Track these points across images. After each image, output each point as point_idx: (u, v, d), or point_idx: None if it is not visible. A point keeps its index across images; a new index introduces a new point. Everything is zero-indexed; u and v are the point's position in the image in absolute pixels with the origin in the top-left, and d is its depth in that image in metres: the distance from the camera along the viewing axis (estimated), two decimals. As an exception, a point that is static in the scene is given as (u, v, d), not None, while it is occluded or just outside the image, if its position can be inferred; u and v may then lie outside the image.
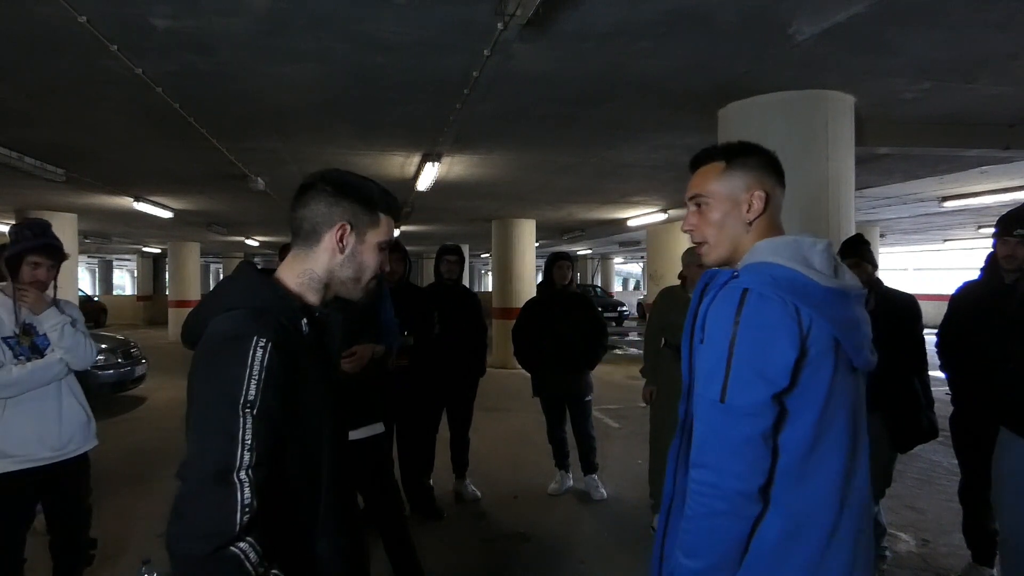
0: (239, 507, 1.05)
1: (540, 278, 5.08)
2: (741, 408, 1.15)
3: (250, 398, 1.09)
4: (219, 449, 1.07)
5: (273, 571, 1.11)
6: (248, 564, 1.06)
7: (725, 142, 1.39)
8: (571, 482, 4.69)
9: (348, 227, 1.27)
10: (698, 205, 1.36)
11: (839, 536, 1.19)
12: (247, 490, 1.06)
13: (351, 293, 1.33)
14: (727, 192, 1.32)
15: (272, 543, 1.12)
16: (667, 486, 1.34)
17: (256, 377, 1.10)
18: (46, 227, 2.55)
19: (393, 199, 1.35)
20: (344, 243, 1.28)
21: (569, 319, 4.40)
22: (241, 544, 1.06)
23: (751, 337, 1.15)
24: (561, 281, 4.46)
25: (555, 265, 4.50)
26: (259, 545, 1.08)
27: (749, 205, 1.30)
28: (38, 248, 2.48)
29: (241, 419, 1.08)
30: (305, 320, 1.25)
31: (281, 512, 1.15)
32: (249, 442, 1.08)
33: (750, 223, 1.31)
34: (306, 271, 1.29)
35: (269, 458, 1.11)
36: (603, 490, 4.57)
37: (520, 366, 4.66)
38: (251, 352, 1.11)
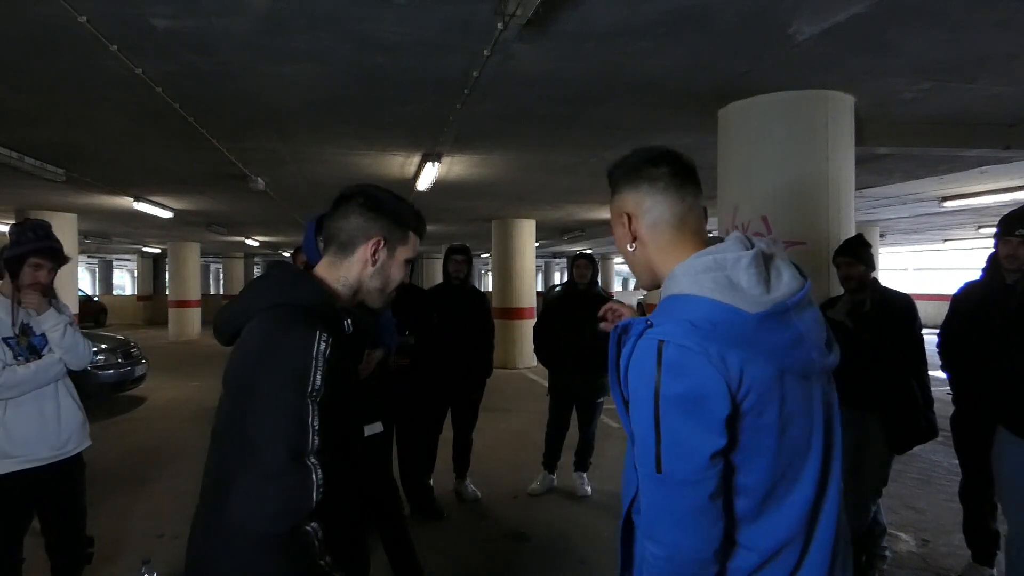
0: (315, 486, 1.14)
1: (541, 279, 5.08)
2: (680, 478, 1.04)
3: (316, 387, 1.17)
4: (293, 433, 1.15)
5: (327, 557, 1.18)
6: (317, 542, 1.15)
7: (614, 164, 1.28)
8: (555, 483, 4.69)
9: (382, 242, 1.35)
10: None
11: (810, 559, 1.13)
12: (319, 471, 1.15)
13: (374, 302, 1.42)
14: (614, 218, 1.27)
15: (331, 521, 1.20)
16: (619, 550, 1.25)
17: (321, 368, 1.18)
18: (48, 229, 2.55)
19: (422, 220, 1.44)
20: (376, 257, 1.36)
21: (590, 320, 4.38)
22: (312, 524, 1.15)
23: (675, 398, 1.03)
24: (582, 281, 4.45)
25: (575, 265, 4.52)
26: (322, 528, 1.17)
27: (627, 229, 1.23)
28: (40, 250, 2.48)
29: (310, 406, 1.16)
30: (349, 321, 1.32)
31: (335, 493, 1.21)
32: (317, 427, 1.16)
33: (632, 246, 1.23)
34: (340, 278, 1.36)
35: (327, 443, 1.19)
36: (588, 487, 4.60)
37: (540, 363, 4.69)
38: (316, 344, 1.18)
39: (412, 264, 1.44)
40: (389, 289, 1.40)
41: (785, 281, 1.12)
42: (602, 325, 1.76)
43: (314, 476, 1.13)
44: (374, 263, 1.36)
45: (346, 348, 1.27)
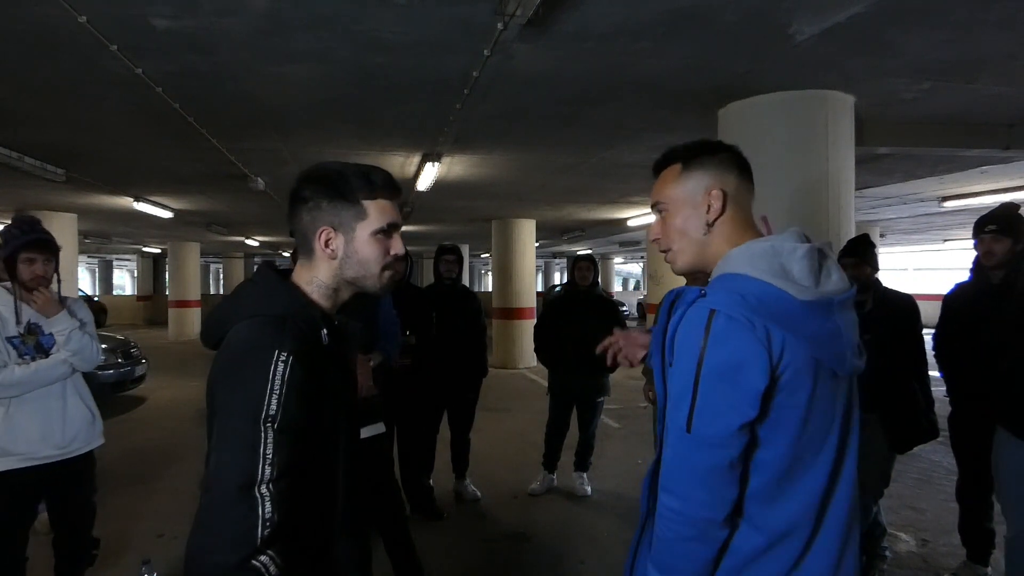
0: (260, 520, 1.05)
1: (541, 279, 5.08)
2: (707, 438, 1.10)
3: (271, 412, 1.09)
4: (241, 463, 1.07)
5: None
6: None
7: (684, 143, 1.31)
8: (555, 483, 4.70)
9: (331, 231, 1.22)
10: (660, 212, 1.30)
11: (818, 544, 1.17)
12: (268, 504, 1.07)
13: (369, 288, 1.28)
14: (684, 195, 1.25)
15: (294, 549, 1.12)
16: (643, 502, 1.31)
17: (278, 392, 1.09)
18: (34, 223, 2.53)
19: (379, 177, 1.25)
20: (332, 248, 1.23)
21: (591, 321, 4.40)
22: (262, 557, 1.06)
23: (716, 364, 1.09)
24: (583, 282, 4.46)
25: (576, 266, 4.52)
26: (280, 558, 1.08)
27: (708, 206, 1.23)
28: (29, 244, 2.46)
29: (263, 433, 1.08)
30: (325, 331, 1.23)
31: (302, 518, 1.15)
32: (270, 456, 1.08)
33: (711, 224, 1.24)
34: (313, 279, 1.26)
35: (292, 468, 1.11)
36: (588, 487, 4.61)
37: (540, 363, 4.70)
38: (272, 365, 1.10)
39: (408, 259, 1.34)
40: (372, 271, 1.25)
41: (834, 280, 1.19)
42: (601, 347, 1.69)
43: (260, 509, 1.05)
44: (333, 255, 1.23)
45: (324, 359, 1.20)
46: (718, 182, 1.24)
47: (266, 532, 1.06)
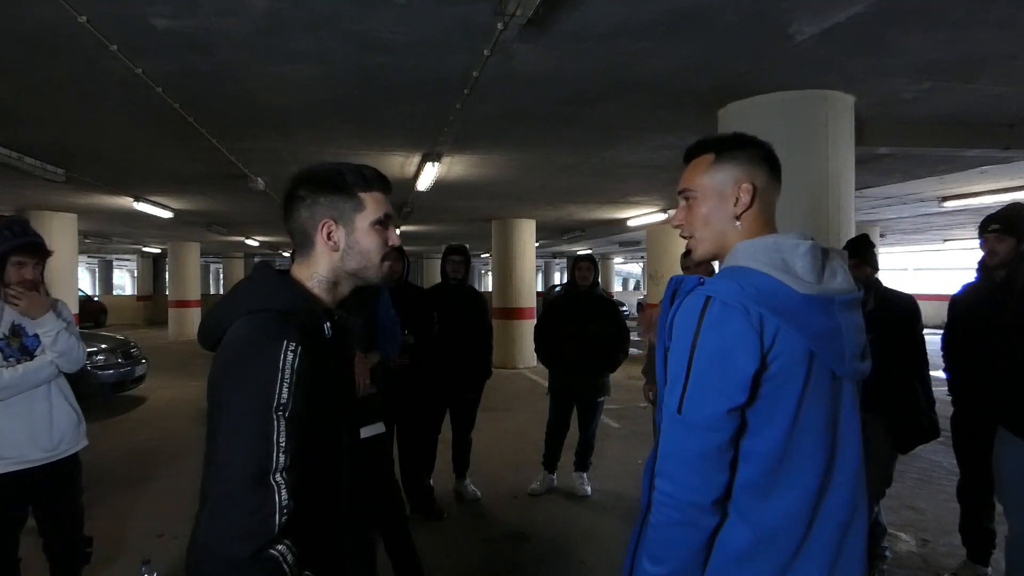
0: (278, 508, 1.07)
1: (541, 279, 5.08)
2: (696, 421, 1.12)
3: (283, 401, 1.10)
4: (255, 452, 1.08)
5: (306, 573, 1.12)
6: (286, 566, 1.07)
7: (719, 134, 1.34)
8: (555, 483, 4.70)
9: (332, 223, 1.26)
10: (686, 199, 1.31)
11: (809, 549, 1.17)
12: (284, 491, 1.08)
13: (371, 279, 1.32)
14: (714, 186, 1.26)
15: (301, 543, 1.13)
16: (643, 493, 1.31)
17: (288, 380, 1.11)
18: (25, 225, 2.48)
19: (370, 172, 1.30)
20: (334, 240, 1.27)
21: (591, 321, 4.40)
22: (280, 546, 1.07)
23: (708, 349, 1.12)
24: (583, 283, 4.46)
25: (576, 266, 4.52)
26: (295, 547, 1.09)
27: (736, 199, 1.24)
28: (21, 247, 2.41)
29: (275, 422, 1.09)
30: (328, 324, 1.26)
31: (307, 512, 1.15)
32: (283, 444, 1.09)
33: (737, 218, 1.25)
34: (313, 275, 1.29)
35: (299, 460, 1.12)
36: (588, 487, 4.61)
37: (540, 363, 4.70)
38: (282, 355, 1.11)
39: (406, 259, 1.37)
40: (372, 261, 1.29)
41: (839, 280, 1.20)
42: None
43: (277, 497, 1.06)
44: (335, 247, 1.27)
45: (326, 352, 1.22)
46: (749, 176, 1.25)
47: (284, 519, 1.07)
